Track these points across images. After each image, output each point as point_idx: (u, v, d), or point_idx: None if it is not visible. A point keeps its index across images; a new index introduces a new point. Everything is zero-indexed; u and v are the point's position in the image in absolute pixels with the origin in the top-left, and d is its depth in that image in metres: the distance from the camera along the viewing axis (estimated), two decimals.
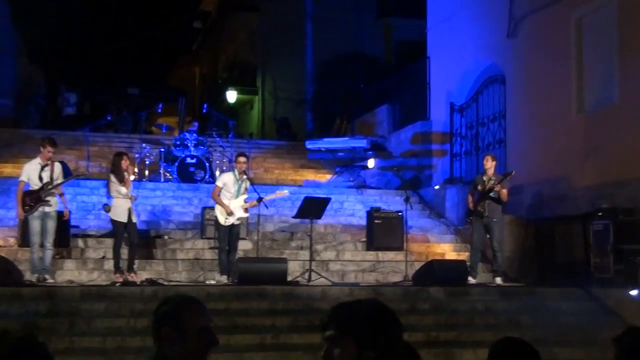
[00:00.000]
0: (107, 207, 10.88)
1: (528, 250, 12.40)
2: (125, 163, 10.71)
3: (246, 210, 11.14)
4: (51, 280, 10.30)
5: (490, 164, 11.38)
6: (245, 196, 11.07)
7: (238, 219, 10.98)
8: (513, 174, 11.40)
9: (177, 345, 2.51)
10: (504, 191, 11.10)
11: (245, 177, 11.18)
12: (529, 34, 13.52)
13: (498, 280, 11.26)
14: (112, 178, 10.66)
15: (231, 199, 10.93)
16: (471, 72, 15.64)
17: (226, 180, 11.09)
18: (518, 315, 9.85)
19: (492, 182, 11.14)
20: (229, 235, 10.89)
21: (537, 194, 12.82)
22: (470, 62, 15.50)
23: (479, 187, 11.31)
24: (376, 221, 12.80)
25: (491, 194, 11.12)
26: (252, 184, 11.49)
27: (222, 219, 10.84)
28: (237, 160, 11.25)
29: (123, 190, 10.57)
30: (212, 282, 10.76)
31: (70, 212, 11.68)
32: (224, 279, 10.72)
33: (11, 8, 24.78)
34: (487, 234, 11.34)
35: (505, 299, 10.44)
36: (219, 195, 10.95)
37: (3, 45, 23.63)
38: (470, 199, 11.47)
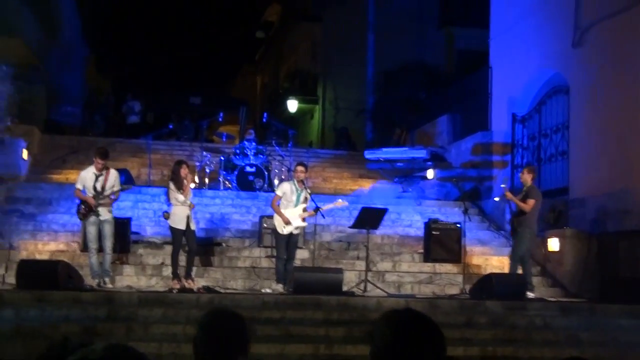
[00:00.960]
0: (166, 215, 11.05)
1: (590, 265, 12.07)
2: (184, 171, 10.85)
3: (304, 219, 11.14)
4: (110, 286, 10.51)
5: (525, 177, 11.55)
6: (305, 205, 11.07)
7: (296, 228, 10.99)
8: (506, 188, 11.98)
9: None
10: (530, 201, 11.24)
11: (304, 186, 11.18)
12: (595, 43, 13.19)
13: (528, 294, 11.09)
14: (171, 186, 10.82)
15: (289, 208, 10.96)
16: (534, 82, 15.35)
17: (285, 189, 11.12)
18: (578, 332, 9.58)
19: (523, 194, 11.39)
20: (287, 244, 10.92)
21: (601, 208, 12.48)
22: (533, 72, 15.21)
23: None
24: (434, 232, 12.67)
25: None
26: (310, 193, 11.52)
27: (280, 228, 10.88)
28: (296, 169, 11.29)
29: (181, 197, 10.71)
30: (268, 290, 10.80)
31: (130, 218, 11.99)
32: (279, 287, 10.75)
33: (81, 19, 25.57)
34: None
35: (565, 314, 10.19)
36: (278, 204, 10.99)
37: (73, 56, 24.38)
38: None
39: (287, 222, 10.83)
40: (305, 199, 11.09)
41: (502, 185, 13.51)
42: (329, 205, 11.36)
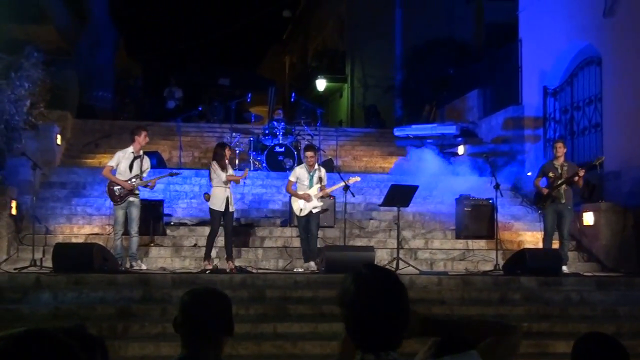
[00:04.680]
0: (207, 196, 11.13)
1: (627, 238, 11.92)
2: (228, 152, 10.99)
3: (322, 199, 11.18)
4: (144, 267, 10.63)
5: (562, 151, 11.37)
6: (320, 185, 11.10)
7: (314, 207, 11.03)
8: (603, 159, 11.74)
9: None
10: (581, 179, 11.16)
11: (317, 166, 11.21)
12: (627, 12, 12.92)
13: (564, 269, 10.96)
14: (214, 165, 10.86)
15: (304, 190, 11.03)
16: (565, 54, 15.09)
17: (298, 173, 11.18)
18: (615, 306, 9.50)
19: (568, 169, 11.13)
20: (307, 224, 10.96)
21: (637, 180, 12.28)
22: (564, 43, 14.95)
23: (551, 174, 11.29)
24: (466, 209, 12.59)
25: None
26: (339, 172, 11.55)
27: (298, 210, 10.97)
28: (305, 155, 11.26)
29: (223, 176, 10.78)
30: (300, 270, 10.84)
31: (163, 200, 12.11)
32: (312, 265, 10.79)
33: (109, 3, 25.67)
34: (558, 221, 11.24)
35: (601, 289, 10.09)
36: (294, 188, 11.05)
37: (103, 40, 24.50)
38: (538, 185, 11.47)
39: (307, 199, 10.85)
40: (320, 178, 11.10)
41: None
42: (354, 179, 11.35)
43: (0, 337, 1.53)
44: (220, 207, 10.70)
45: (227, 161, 10.91)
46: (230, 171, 10.92)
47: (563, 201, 11.10)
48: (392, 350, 2.20)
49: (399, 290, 2.25)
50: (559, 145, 11.51)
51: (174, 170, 11.89)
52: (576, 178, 11.03)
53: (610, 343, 2.84)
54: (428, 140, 16.63)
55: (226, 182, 10.76)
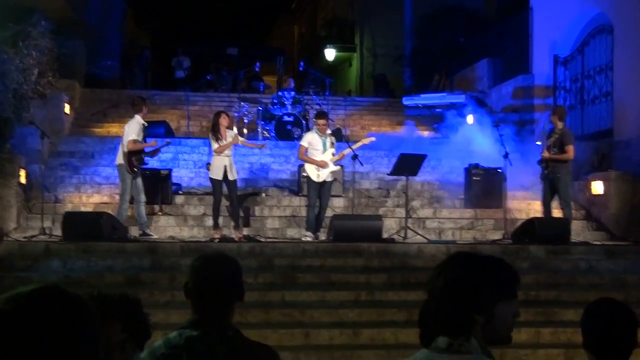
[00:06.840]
0: (208, 166, 11.17)
1: (636, 207, 11.86)
2: (224, 120, 10.92)
3: (335, 163, 11.13)
4: (154, 235, 10.68)
5: (555, 120, 11.29)
6: (333, 150, 11.05)
7: (331, 172, 10.99)
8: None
9: None
10: (570, 147, 11.02)
11: (329, 132, 11.13)
12: None
13: None
14: (211, 136, 10.92)
15: (318, 156, 10.95)
16: (576, 22, 14.91)
17: (310, 138, 11.10)
18: (624, 274, 9.50)
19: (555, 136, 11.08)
20: (320, 192, 10.92)
21: None
22: (575, 11, 14.76)
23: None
24: (474, 178, 12.55)
25: (554, 149, 11.06)
26: (347, 141, 11.50)
27: (315, 175, 10.88)
28: (317, 123, 11.19)
29: (215, 147, 10.82)
30: (309, 238, 10.85)
31: (171, 170, 12.16)
32: (308, 235, 10.78)
33: None
34: (553, 190, 11.24)
35: (610, 258, 10.09)
36: (306, 154, 10.98)
37: (110, 8, 24.36)
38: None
39: (324, 166, 10.81)
40: (332, 143, 11.06)
41: (538, 142, 13.26)
42: (357, 144, 11.29)
43: (8, 298, 1.41)
44: (218, 176, 10.72)
45: (224, 129, 10.86)
46: (229, 139, 10.85)
47: (550, 169, 11.18)
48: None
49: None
50: (552, 115, 11.54)
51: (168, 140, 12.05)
52: (555, 148, 11.07)
53: (621, 309, 2.83)
54: (437, 110, 16.52)
55: (224, 151, 10.75)
